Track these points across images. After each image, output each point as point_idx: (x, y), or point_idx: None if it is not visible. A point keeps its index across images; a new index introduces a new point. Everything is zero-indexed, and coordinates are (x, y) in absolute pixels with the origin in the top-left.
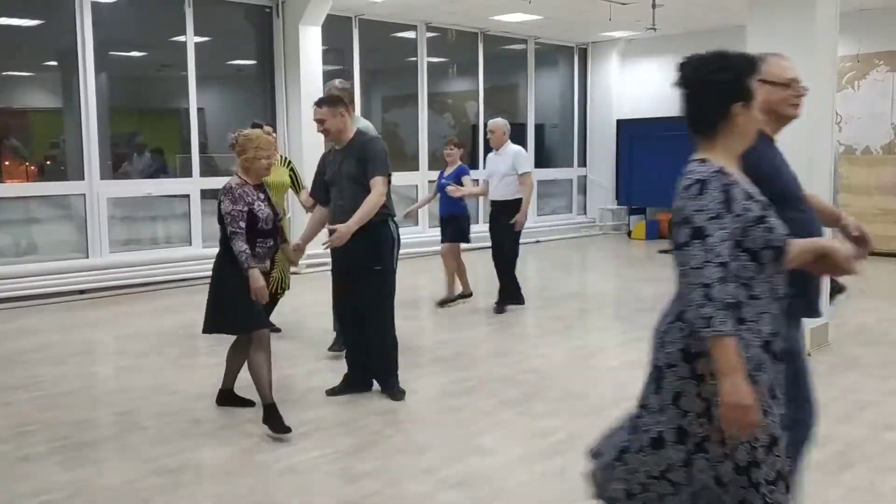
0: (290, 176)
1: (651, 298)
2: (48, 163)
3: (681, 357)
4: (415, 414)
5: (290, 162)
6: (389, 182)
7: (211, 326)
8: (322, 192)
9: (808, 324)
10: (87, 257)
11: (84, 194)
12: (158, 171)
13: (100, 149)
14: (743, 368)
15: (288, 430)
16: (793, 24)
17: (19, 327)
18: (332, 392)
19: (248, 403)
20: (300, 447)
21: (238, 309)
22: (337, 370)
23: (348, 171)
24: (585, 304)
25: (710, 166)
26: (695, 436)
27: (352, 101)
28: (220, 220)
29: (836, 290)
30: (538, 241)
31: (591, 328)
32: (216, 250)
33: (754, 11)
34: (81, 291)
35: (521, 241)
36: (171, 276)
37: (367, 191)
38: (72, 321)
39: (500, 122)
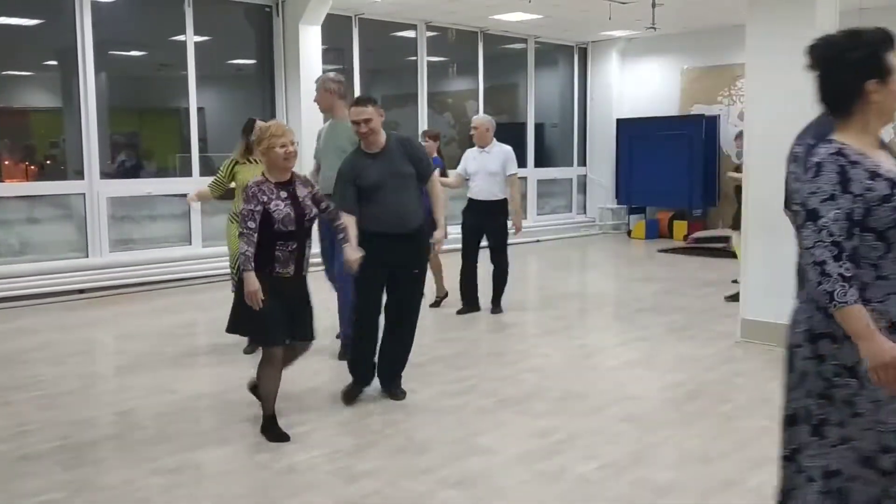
0: None
1: (651, 298)
2: (48, 162)
3: (805, 338)
4: (414, 413)
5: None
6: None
7: (230, 326)
8: (355, 199)
9: None
10: (87, 257)
11: (84, 194)
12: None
13: (100, 148)
14: (878, 330)
15: (286, 437)
16: (792, 23)
17: (19, 327)
18: (350, 397)
19: (283, 438)
20: (300, 447)
21: (253, 318)
22: (337, 368)
23: (404, 171)
24: (585, 304)
25: (830, 147)
26: (815, 417)
27: (346, 95)
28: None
29: None
30: (538, 241)
31: (590, 328)
32: (222, 249)
33: (754, 11)
34: (81, 291)
35: (521, 241)
36: (171, 276)
37: (416, 190)
38: (71, 321)
39: (484, 119)
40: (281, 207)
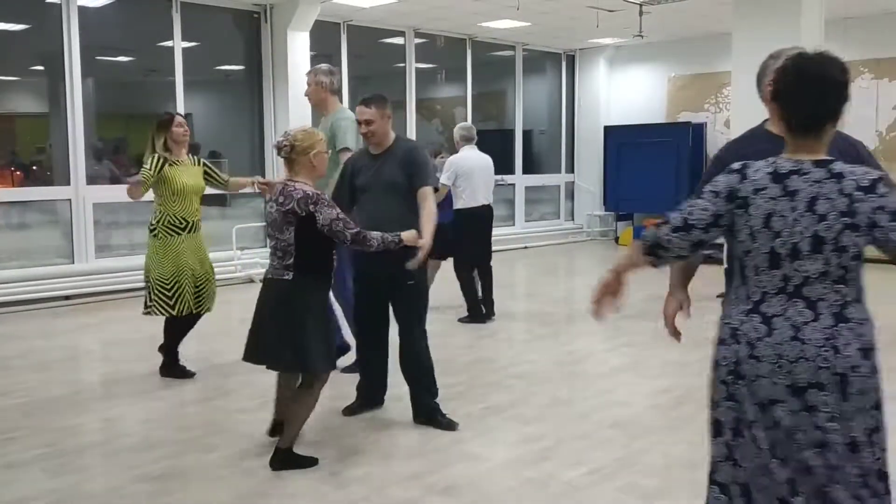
0: (207, 175)
1: (638, 304)
2: (34, 168)
3: (861, 356)
4: (401, 420)
5: (202, 161)
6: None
7: (269, 360)
8: (348, 199)
9: None
10: (73, 263)
11: (70, 199)
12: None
13: (86, 154)
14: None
15: (315, 461)
16: (778, 31)
17: (4, 333)
18: (350, 411)
19: (312, 462)
20: None
21: (319, 344)
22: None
23: (389, 178)
24: (572, 310)
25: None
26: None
27: (340, 88)
28: (298, 237)
29: None
30: (526, 247)
31: (578, 334)
32: (211, 255)
33: (740, 19)
34: (67, 297)
35: (509, 247)
36: None
37: (405, 200)
38: (57, 327)
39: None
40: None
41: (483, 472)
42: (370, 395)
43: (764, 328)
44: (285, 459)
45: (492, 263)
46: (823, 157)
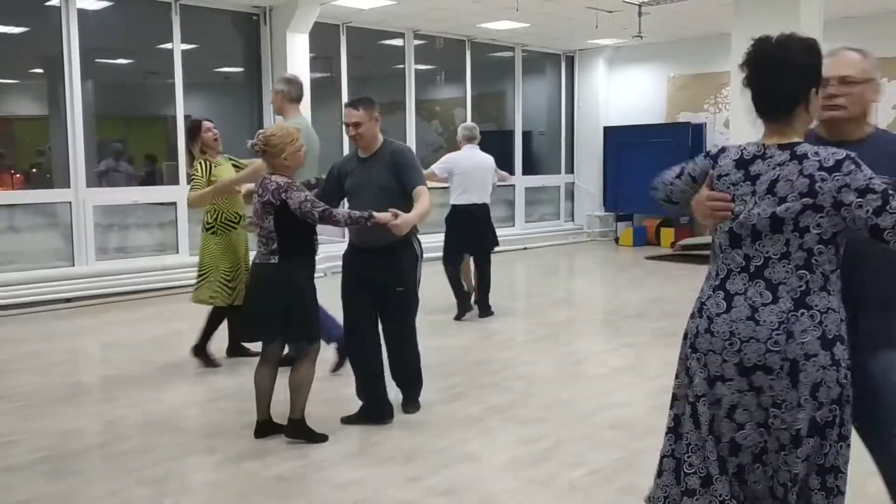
0: (236, 168)
1: (638, 305)
2: (34, 170)
3: (820, 345)
4: (401, 421)
5: (227, 157)
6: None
7: (267, 332)
8: (335, 200)
9: None
10: (73, 265)
11: (70, 202)
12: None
13: (86, 156)
14: None
15: (325, 437)
16: (777, 31)
17: (4, 336)
18: (348, 420)
19: (323, 438)
20: (287, 455)
21: (311, 317)
22: (324, 380)
23: (378, 181)
24: (572, 311)
25: (840, 151)
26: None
27: (300, 96)
28: (277, 224)
29: None
30: (526, 248)
31: (578, 335)
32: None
33: (739, 19)
34: (67, 300)
35: (509, 248)
36: (158, 285)
37: (398, 201)
38: (57, 330)
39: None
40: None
41: (483, 473)
42: (372, 408)
43: (724, 305)
44: (298, 429)
45: (490, 264)
46: (792, 140)
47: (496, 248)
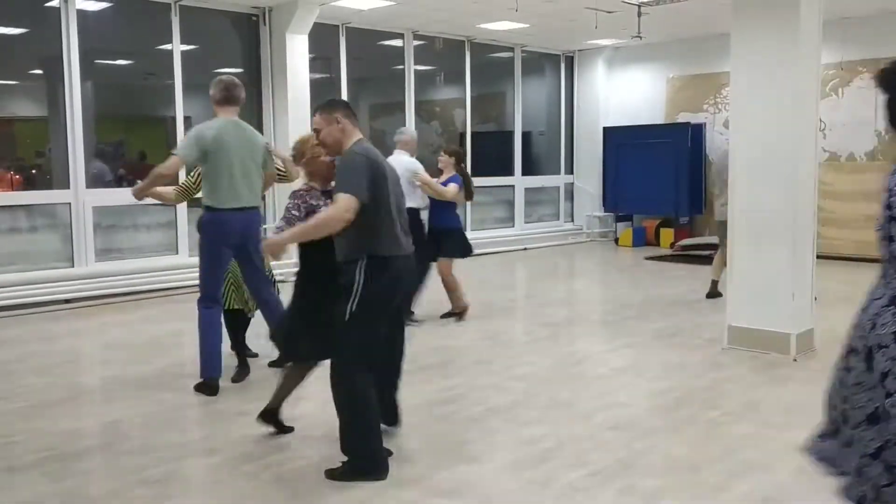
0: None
1: (638, 305)
2: (33, 171)
3: (893, 339)
4: (401, 422)
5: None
6: (373, 208)
7: (319, 353)
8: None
9: (794, 329)
10: (73, 266)
11: (69, 203)
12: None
13: (85, 157)
14: None
15: (291, 429)
16: (776, 32)
17: (4, 337)
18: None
19: (288, 429)
20: (288, 455)
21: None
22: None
23: (333, 189)
24: (573, 312)
25: None
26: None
27: (225, 98)
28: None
29: None
30: (525, 249)
31: (578, 335)
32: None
33: (738, 19)
34: (67, 301)
35: (509, 248)
36: (157, 286)
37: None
38: (57, 331)
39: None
40: None
41: (484, 473)
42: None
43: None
44: (269, 417)
45: (428, 271)
46: None
47: (452, 255)
